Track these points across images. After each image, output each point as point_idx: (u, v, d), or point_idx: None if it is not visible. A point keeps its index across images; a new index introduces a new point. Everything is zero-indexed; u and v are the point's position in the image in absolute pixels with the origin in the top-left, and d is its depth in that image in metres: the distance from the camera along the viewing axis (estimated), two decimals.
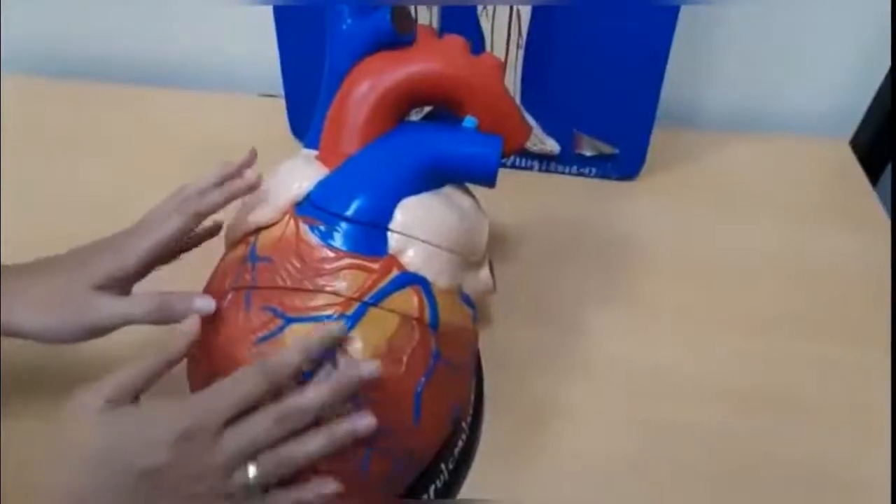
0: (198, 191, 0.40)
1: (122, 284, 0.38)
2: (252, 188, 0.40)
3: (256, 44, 0.75)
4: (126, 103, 0.80)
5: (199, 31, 0.83)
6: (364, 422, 0.34)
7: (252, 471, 0.33)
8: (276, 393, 0.33)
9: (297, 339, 0.35)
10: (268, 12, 0.65)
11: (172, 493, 0.31)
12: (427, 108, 0.54)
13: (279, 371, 0.33)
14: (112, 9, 0.83)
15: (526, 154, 0.68)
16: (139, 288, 0.40)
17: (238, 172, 0.41)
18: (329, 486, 0.34)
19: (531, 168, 0.69)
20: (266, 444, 0.33)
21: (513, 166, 0.69)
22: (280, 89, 0.71)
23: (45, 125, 0.78)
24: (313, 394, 0.33)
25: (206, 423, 0.32)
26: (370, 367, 0.34)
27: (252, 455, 0.33)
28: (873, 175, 0.68)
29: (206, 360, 0.38)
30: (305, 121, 0.43)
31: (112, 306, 0.36)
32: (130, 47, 0.86)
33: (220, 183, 0.40)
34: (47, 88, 0.83)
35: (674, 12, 0.57)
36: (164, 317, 0.36)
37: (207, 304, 0.36)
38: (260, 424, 0.33)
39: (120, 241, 0.39)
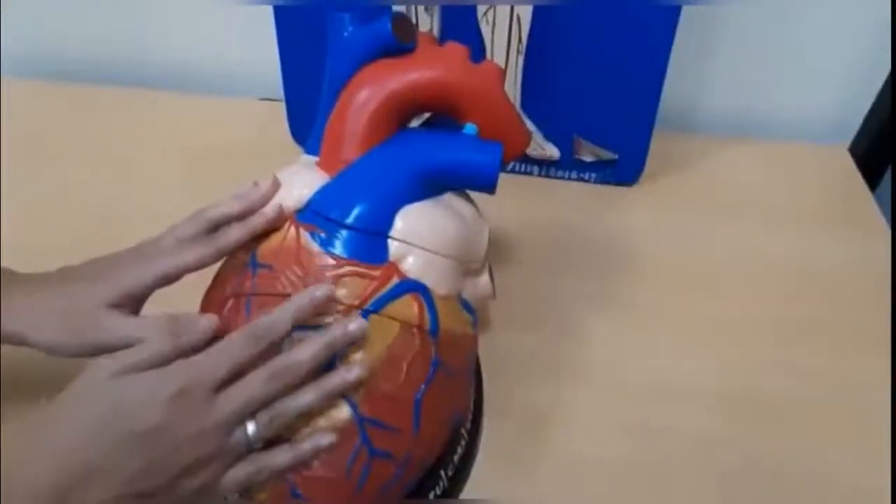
0: (221, 216, 0.39)
1: (135, 303, 0.38)
2: (272, 225, 0.39)
3: (257, 48, 0.75)
4: (126, 107, 0.80)
5: (199, 36, 0.83)
6: (353, 373, 0.35)
7: (251, 428, 0.34)
8: (266, 355, 0.34)
9: (287, 304, 0.35)
10: (268, 16, 0.65)
11: (174, 458, 0.32)
12: (426, 114, 0.54)
13: (269, 335, 0.34)
14: (112, 12, 0.83)
15: (526, 159, 0.68)
16: None
17: (260, 203, 0.40)
18: (327, 437, 0.35)
19: (531, 173, 0.69)
20: (262, 402, 0.34)
21: (513, 171, 0.69)
22: (280, 94, 0.71)
23: (44, 129, 0.78)
24: (305, 351, 0.34)
25: (200, 382, 0.33)
26: (359, 324, 0.35)
27: (249, 413, 0.34)
28: (872, 181, 0.69)
29: None
30: (306, 125, 0.43)
31: (123, 327, 0.36)
32: (131, 51, 0.86)
33: (242, 216, 0.39)
34: (47, 92, 0.83)
35: (674, 18, 0.57)
36: (172, 343, 0.36)
37: (211, 324, 0.36)
38: (254, 382, 0.34)
39: (139, 260, 0.39)
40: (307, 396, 0.34)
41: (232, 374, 0.34)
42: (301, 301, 0.35)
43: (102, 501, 0.31)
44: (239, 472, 0.34)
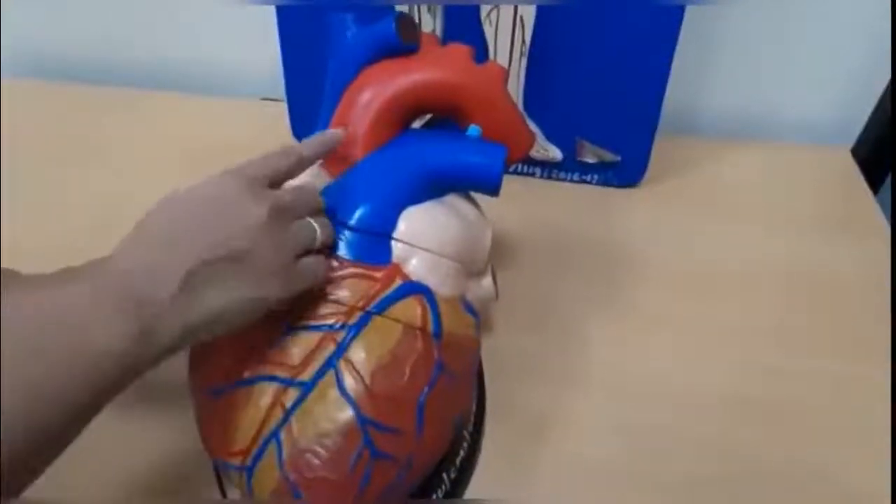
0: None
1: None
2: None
3: (259, 48, 0.75)
4: (128, 107, 0.80)
5: (201, 36, 0.83)
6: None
7: (313, 222, 0.36)
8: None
9: (309, 139, 0.39)
10: (271, 16, 0.65)
11: (248, 227, 0.33)
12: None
13: (295, 152, 0.37)
14: (113, 13, 0.83)
15: (528, 161, 0.68)
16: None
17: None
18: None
19: (533, 174, 0.69)
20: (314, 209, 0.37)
21: (515, 172, 0.69)
22: (282, 94, 0.71)
23: (45, 129, 0.78)
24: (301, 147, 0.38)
25: (261, 174, 0.35)
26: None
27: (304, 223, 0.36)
28: (874, 184, 0.69)
29: (207, 367, 0.38)
30: (308, 126, 0.43)
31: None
32: (132, 51, 0.86)
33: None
34: (48, 92, 0.83)
35: (677, 19, 0.57)
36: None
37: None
38: (304, 195, 0.37)
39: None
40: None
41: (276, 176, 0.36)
42: (332, 132, 0.40)
43: (180, 279, 0.30)
44: (310, 260, 0.36)
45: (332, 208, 0.38)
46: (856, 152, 0.71)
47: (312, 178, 0.41)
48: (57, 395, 0.27)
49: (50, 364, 0.27)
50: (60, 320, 0.28)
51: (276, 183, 0.36)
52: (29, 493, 0.28)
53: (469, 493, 0.44)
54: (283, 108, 0.71)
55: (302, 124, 0.72)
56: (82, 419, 0.29)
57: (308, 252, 0.36)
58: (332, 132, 0.40)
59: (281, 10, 0.64)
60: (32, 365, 0.26)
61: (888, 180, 0.70)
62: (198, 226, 0.32)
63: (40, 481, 0.28)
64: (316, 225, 0.36)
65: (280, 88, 0.70)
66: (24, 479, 0.28)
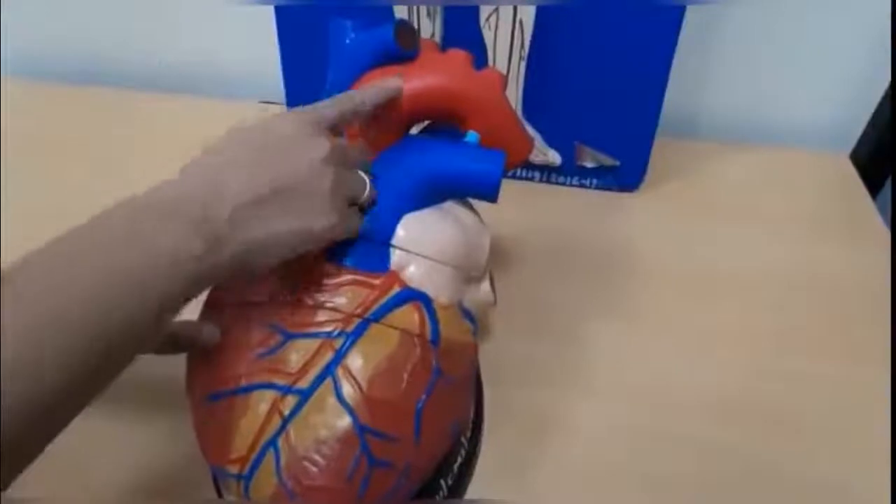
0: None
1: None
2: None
3: (258, 51, 0.75)
4: (127, 109, 0.80)
5: (200, 38, 0.83)
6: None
7: (367, 185, 0.38)
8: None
9: (368, 85, 0.40)
10: (270, 19, 0.65)
11: (305, 166, 0.34)
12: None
13: (356, 99, 0.39)
14: (113, 14, 0.83)
15: (527, 165, 0.68)
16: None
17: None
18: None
19: (532, 178, 0.69)
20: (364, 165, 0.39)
21: (514, 177, 0.69)
22: (281, 97, 0.71)
23: (45, 130, 0.78)
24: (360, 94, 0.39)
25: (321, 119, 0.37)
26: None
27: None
28: (873, 188, 0.69)
29: (205, 374, 0.38)
30: None
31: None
32: (132, 53, 0.86)
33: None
34: (47, 93, 0.83)
35: (676, 24, 0.57)
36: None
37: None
38: (359, 147, 0.39)
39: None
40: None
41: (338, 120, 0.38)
42: (385, 81, 0.40)
43: (245, 203, 0.32)
44: (355, 210, 0.38)
45: None
46: (855, 156, 0.71)
47: None
48: (136, 293, 0.28)
49: (125, 269, 0.28)
50: (133, 228, 0.29)
51: (335, 127, 0.38)
52: (28, 493, 0.28)
53: (466, 498, 0.44)
54: (283, 111, 0.71)
55: None
56: (135, 344, 0.29)
57: (353, 204, 0.37)
58: (392, 79, 0.41)
59: (280, 13, 0.64)
60: (106, 272, 0.27)
61: (887, 184, 0.70)
62: (264, 156, 0.34)
63: (39, 482, 0.28)
64: (367, 179, 0.38)
65: (279, 91, 0.70)
66: (62, 422, 0.27)
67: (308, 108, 0.37)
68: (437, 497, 0.42)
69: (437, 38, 0.61)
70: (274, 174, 0.33)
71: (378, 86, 0.40)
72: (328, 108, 0.37)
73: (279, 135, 0.35)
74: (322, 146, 0.35)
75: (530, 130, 0.65)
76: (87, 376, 0.27)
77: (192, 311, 0.40)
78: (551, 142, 0.66)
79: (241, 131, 0.35)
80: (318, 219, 0.35)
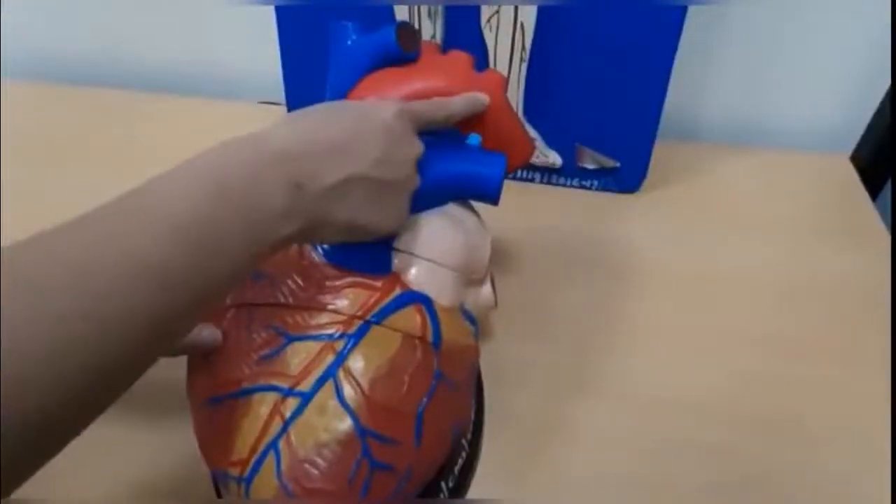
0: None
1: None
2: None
3: (258, 51, 0.75)
4: (127, 110, 0.80)
5: (200, 39, 0.82)
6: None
7: None
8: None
9: (459, 97, 0.41)
10: (271, 20, 0.65)
11: (404, 157, 0.36)
12: None
13: (449, 109, 0.40)
14: (113, 15, 0.83)
15: (528, 166, 0.68)
16: None
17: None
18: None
19: (533, 180, 0.69)
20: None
21: (515, 178, 0.69)
22: (282, 98, 0.71)
23: (44, 131, 0.77)
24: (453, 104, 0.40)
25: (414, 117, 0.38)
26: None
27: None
28: (874, 190, 0.69)
29: (206, 376, 0.38)
30: None
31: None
32: (132, 54, 0.86)
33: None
34: (47, 94, 0.83)
35: (677, 26, 0.57)
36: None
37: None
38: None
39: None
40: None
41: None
42: (473, 96, 0.41)
43: (338, 180, 0.32)
44: None
45: None
46: (855, 159, 0.71)
47: None
48: (229, 240, 0.28)
49: (224, 215, 0.28)
50: (229, 173, 0.30)
51: (422, 129, 0.39)
52: (29, 493, 0.28)
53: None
54: (283, 112, 0.71)
55: None
56: (221, 290, 0.30)
57: None
58: (481, 96, 0.42)
59: (280, 14, 0.64)
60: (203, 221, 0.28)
61: (887, 186, 0.70)
62: (366, 142, 0.34)
63: (39, 483, 0.28)
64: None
65: (279, 92, 0.70)
66: (129, 380, 0.27)
67: (407, 104, 0.37)
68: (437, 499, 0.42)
69: (438, 40, 0.61)
70: (371, 164, 0.34)
71: (469, 98, 0.41)
72: (425, 110, 0.38)
73: (383, 127, 0.35)
74: (418, 147, 0.37)
75: (531, 132, 0.65)
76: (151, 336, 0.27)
77: None
78: (552, 143, 0.66)
79: (345, 108, 0.36)
80: (393, 218, 0.36)
